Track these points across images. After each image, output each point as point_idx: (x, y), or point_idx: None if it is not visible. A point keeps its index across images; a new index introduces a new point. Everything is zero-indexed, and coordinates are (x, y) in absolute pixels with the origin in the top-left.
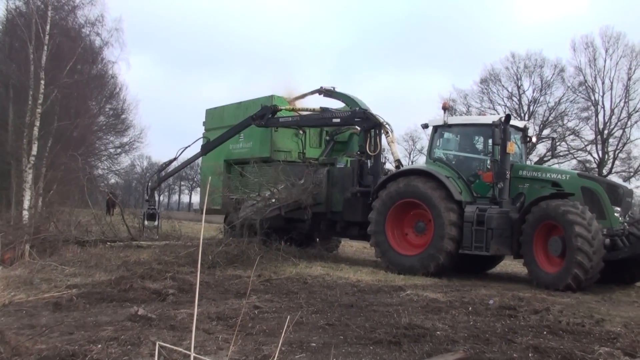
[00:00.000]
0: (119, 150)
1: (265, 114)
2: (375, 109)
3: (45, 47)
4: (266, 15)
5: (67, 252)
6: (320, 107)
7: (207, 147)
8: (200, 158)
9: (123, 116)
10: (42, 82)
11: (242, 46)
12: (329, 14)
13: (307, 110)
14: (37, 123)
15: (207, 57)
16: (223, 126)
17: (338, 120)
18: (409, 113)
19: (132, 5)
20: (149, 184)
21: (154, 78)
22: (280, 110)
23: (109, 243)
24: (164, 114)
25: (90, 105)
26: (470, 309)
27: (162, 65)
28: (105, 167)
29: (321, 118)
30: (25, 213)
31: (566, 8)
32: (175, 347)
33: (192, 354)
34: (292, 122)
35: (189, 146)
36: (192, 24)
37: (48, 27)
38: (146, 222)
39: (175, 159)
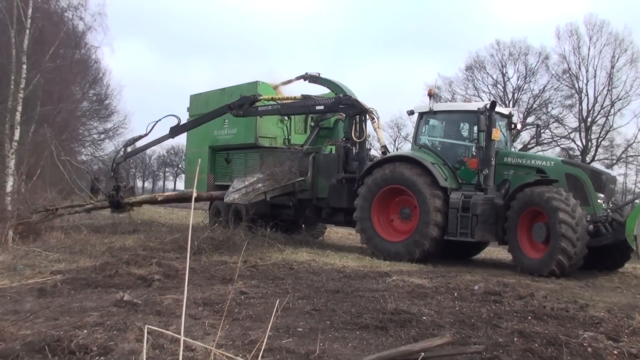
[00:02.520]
0: (102, 136)
1: (243, 104)
2: (363, 97)
3: (27, 31)
4: (262, 4)
5: (50, 238)
6: (302, 95)
7: (176, 131)
8: (185, 144)
9: (107, 102)
10: (24, 66)
11: (236, 34)
12: (324, 2)
13: (287, 98)
14: (20, 108)
15: (200, 43)
16: (207, 112)
17: (321, 107)
18: (394, 100)
19: None
20: (115, 158)
21: (144, 64)
22: (260, 99)
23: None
24: (153, 100)
25: (73, 91)
26: (455, 294)
27: (153, 51)
28: (89, 153)
29: (303, 106)
30: (8, 199)
31: None
32: (164, 331)
33: (182, 337)
34: (272, 111)
35: (159, 120)
36: (185, 9)
37: (30, 11)
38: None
39: (146, 134)
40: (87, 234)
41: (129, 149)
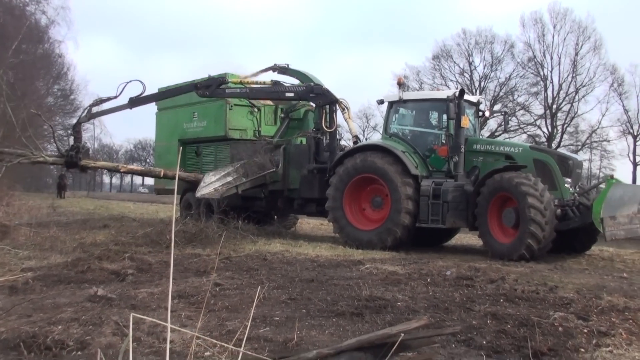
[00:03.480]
0: (68, 132)
1: (211, 85)
2: (332, 89)
3: None
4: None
5: (19, 235)
6: (272, 80)
7: (135, 102)
8: (154, 138)
9: (72, 97)
10: None
11: (205, 29)
12: None
13: (257, 83)
14: None
15: (170, 38)
16: (176, 105)
17: (292, 94)
18: (363, 91)
19: None
20: (80, 117)
21: (113, 59)
22: (228, 82)
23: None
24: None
25: (37, 86)
26: (428, 280)
27: (121, 46)
28: (54, 149)
29: (273, 92)
30: None
31: None
32: (151, 319)
33: (169, 325)
34: (240, 94)
35: (129, 82)
36: (154, 4)
37: None
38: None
39: (116, 97)
40: (57, 231)
41: (94, 110)
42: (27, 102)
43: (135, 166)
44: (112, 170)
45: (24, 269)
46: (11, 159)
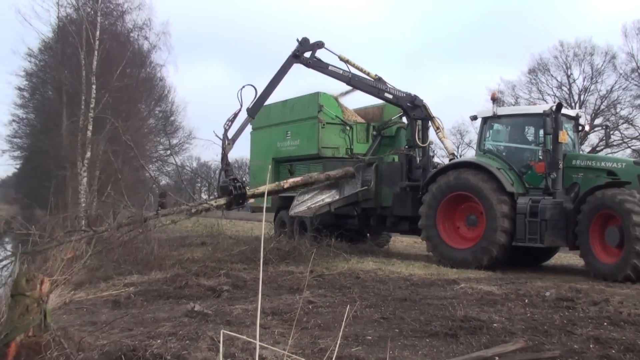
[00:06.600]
0: (168, 152)
1: (309, 50)
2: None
3: (96, 53)
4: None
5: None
6: (376, 75)
7: (253, 109)
8: (249, 157)
9: (172, 118)
10: (94, 86)
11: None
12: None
13: (362, 70)
14: (90, 127)
15: (272, 58)
16: (270, 124)
17: (390, 96)
18: (456, 107)
19: (179, 9)
20: (223, 149)
21: (211, 80)
22: (322, 46)
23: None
24: (217, 114)
25: (140, 108)
26: (526, 301)
27: (229, 67)
28: (156, 169)
29: (373, 87)
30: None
31: None
32: (239, 336)
33: (257, 342)
34: (342, 76)
35: (243, 88)
36: (260, 26)
37: (98, 33)
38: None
39: (240, 107)
40: (157, 247)
41: (229, 134)
42: (131, 123)
43: (295, 178)
44: (275, 192)
45: (127, 284)
46: (174, 219)
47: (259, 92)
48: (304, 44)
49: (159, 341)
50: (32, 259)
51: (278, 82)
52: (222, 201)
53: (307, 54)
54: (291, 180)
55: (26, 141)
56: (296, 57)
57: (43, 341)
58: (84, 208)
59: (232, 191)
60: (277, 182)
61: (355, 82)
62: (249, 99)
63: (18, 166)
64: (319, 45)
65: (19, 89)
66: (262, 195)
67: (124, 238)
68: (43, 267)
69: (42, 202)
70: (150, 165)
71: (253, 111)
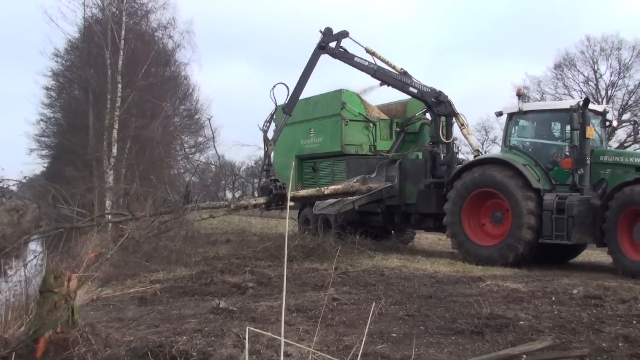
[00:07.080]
0: (193, 149)
1: (335, 40)
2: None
3: (121, 52)
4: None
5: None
6: (402, 69)
7: (288, 106)
8: (272, 155)
9: (196, 116)
10: (119, 85)
11: None
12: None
13: (387, 63)
14: (116, 125)
15: (296, 57)
16: (293, 122)
17: (415, 90)
18: (481, 103)
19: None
20: (266, 150)
21: (235, 78)
22: (346, 36)
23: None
24: (242, 112)
25: (165, 107)
26: (553, 298)
27: (252, 65)
28: (181, 167)
29: (398, 80)
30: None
31: None
32: (265, 332)
33: (282, 339)
34: (367, 68)
35: (275, 86)
36: (284, 23)
37: (123, 32)
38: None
39: (275, 105)
40: (182, 244)
41: (270, 135)
42: (156, 121)
43: (336, 185)
44: (316, 197)
45: (153, 281)
46: (213, 213)
47: (291, 89)
48: (327, 34)
49: (184, 338)
50: (60, 259)
51: (308, 76)
52: (261, 200)
53: (333, 44)
54: (332, 187)
55: (53, 140)
56: (322, 48)
57: (71, 337)
58: (125, 190)
59: (273, 190)
60: (317, 188)
61: (380, 75)
62: (281, 96)
63: (46, 165)
64: (344, 34)
65: (47, 88)
66: (302, 198)
67: (159, 228)
68: (71, 265)
69: (70, 201)
70: (176, 163)
71: (289, 108)
